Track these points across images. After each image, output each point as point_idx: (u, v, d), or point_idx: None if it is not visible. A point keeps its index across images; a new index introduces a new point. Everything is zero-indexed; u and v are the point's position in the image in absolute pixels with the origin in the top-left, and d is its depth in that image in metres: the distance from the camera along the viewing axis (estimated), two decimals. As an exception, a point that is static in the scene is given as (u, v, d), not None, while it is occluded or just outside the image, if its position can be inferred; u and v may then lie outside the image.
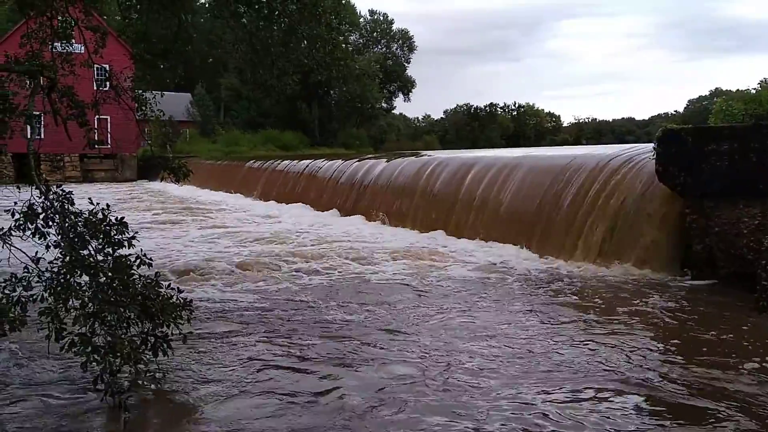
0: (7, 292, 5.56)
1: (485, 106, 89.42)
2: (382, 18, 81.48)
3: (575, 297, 9.13)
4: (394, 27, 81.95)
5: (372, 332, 7.45)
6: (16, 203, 6.00)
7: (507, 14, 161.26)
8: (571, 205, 12.24)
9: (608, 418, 4.95)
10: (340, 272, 11.06)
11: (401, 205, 17.69)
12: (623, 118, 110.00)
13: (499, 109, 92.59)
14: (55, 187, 6.13)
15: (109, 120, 42.15)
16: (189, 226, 18.31)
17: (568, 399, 5.33)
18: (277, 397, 5.47)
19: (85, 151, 43.65)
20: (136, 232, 6.08)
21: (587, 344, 6.85)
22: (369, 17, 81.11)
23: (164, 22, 10.22)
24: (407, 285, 10.08)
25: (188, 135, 55.01)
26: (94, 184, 42.16)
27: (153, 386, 5.54)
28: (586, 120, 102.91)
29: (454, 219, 15.24)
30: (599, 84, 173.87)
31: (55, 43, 9.68)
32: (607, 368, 6.07)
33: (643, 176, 11.02)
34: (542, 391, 5.50)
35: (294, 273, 10.98)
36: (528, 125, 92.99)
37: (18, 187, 6.64)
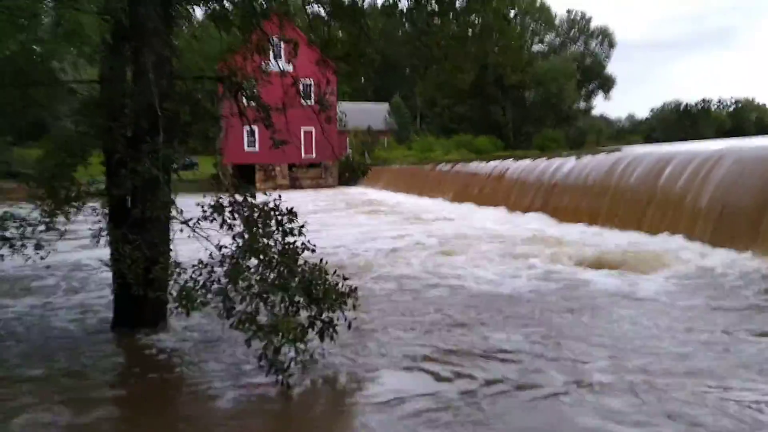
0: (194, 276, 6.12)
1: (697, 103, 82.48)
2: (579, 16, 78.64)
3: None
4: (593, 24, 78.68)
5: (579, 341, 6.95)
6: (204, 196, 6.61)
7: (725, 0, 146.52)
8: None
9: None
10: (545, 274, 10.52)
11: (592, 203, 16.79)
12: None
13: (713, 104, 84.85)
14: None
15: (313, 131, 45.32)
16: (381, 226, 18.97)
17: None
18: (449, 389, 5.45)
19: (293, 161, 47.20)
20: (306, 221, 6.39)
21: None
22: (566, 16, 78.68)
23: (346, 27, 10.66)
24: (616, 290, 9.17)
25: (386, 143, 57.04)
26: (301, 190, 45.37)
27: (319, 367, 5.76)
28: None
29: (650, 217, 14.13)
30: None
31: (255, 56, 10.55)
32: None
33: None
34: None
35: (496, 276, 10.52)
36: (748, 120, 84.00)
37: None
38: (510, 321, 7.64)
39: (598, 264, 11.02)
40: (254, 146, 43.73)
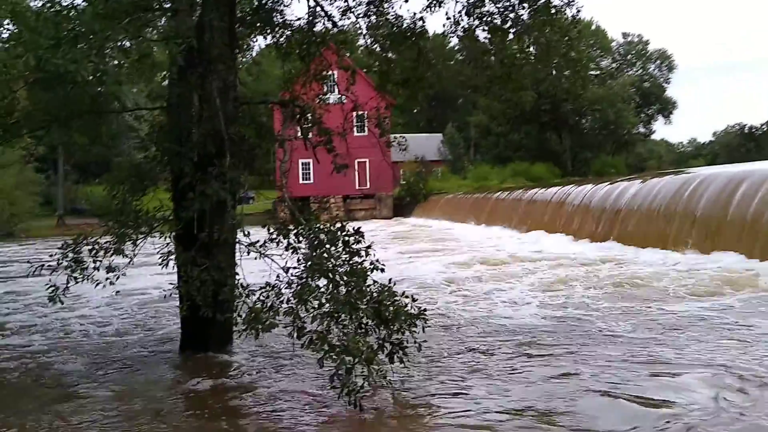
0: (261, 298, 6.06)
1: (762, 124, 79.79)
2: (636, 39, 77.48)
3: None
4: (650, 47, 77.35)
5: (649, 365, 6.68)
6: (270, 217, 6.57)
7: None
8: None
9: None
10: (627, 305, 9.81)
11: (660, 227, 16.21)
12: None
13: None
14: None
15: (367, 162, 45.66)
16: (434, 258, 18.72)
17: None
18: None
19: (347, 193, 47.63)
20: (373, 242, 6.27)
21: None
22: (622, 40, 77.62)
23: (405, 52, 10.66)
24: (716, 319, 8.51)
25: (440, 173, 56.91)
26: (355, 222, 45.51)
27: (390, 389, 5.57)
28: None
29: (723, 239, 13.54)
30: None
31: (314, 84, 10.65)
32: None
33: None
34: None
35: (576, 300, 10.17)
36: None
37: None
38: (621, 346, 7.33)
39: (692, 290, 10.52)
40: (309, 179, 44.18)
